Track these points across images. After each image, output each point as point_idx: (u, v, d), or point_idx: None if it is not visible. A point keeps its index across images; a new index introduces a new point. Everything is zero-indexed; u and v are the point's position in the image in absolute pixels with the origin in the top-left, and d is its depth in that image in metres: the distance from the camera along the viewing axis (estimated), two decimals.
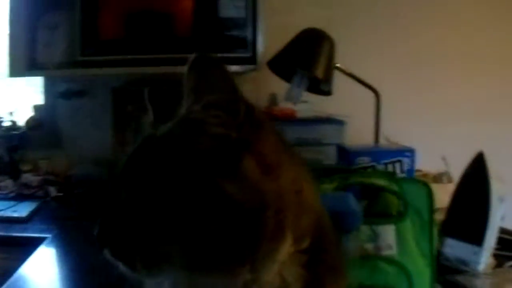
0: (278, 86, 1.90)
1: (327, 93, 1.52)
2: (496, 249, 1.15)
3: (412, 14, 2.14)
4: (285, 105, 1.83)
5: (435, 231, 0.97)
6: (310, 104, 1.72)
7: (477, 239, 1.09)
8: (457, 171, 1.23)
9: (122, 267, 0.48)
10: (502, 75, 2.19)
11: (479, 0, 2.23)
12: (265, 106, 2.00)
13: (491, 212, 1.09)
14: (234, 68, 1.85)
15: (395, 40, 2.12)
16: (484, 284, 1.01)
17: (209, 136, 0.46)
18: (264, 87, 1.99)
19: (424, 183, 0.98)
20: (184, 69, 0.47)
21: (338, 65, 1.50)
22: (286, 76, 1.51)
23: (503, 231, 1.20)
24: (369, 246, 0.88)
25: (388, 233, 0.89)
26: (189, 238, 0.44)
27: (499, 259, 1.15)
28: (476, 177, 1.13)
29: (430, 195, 0.96)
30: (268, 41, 1.88)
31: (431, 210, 0.95)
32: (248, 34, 1.89)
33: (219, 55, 0.46)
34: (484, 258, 1.09)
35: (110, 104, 1.87)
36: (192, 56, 0.46)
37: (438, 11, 2.16)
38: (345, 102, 1.65)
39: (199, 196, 0.44)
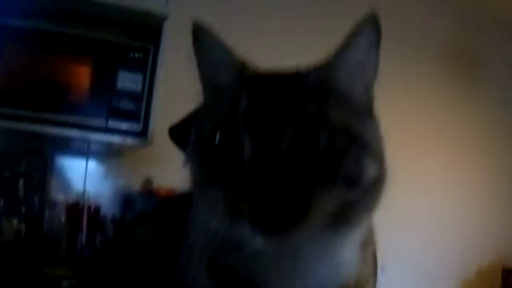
0: (153, 169, 2.00)
1: None
2: None
3: None
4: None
5: None
6: None
7: None
8: None
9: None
10: None
11: None
12: (140, 188, 2.06)
13: None
14: (124, 140, 1.88)
15: None
16: None
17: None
18: (138, 171, 2.08)
19: None
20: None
21: None
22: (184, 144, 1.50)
23: None
24: None
25: None
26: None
27: None
28: None
29: None
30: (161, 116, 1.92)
31: None
32: (142, 108, 1.93)
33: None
34: None
35: None
36: None
37: None
38: None
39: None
